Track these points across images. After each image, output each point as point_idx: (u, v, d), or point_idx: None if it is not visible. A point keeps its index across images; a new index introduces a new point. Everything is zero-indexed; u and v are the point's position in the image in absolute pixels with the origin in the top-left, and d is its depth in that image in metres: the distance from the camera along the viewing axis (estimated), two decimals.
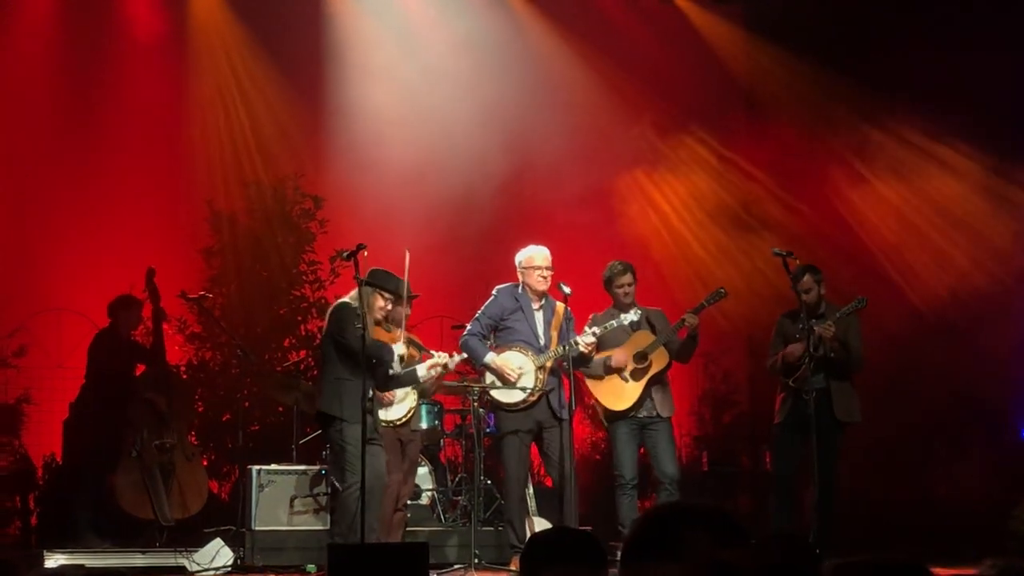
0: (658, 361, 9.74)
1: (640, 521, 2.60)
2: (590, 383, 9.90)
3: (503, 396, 9.43)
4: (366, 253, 8.63)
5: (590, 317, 9.69)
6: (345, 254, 8.86)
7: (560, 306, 9.58)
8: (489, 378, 9.48)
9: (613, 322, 9.51)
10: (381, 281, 8.95)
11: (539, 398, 9.35)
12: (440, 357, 9.14)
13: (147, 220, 12.46)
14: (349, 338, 8.74)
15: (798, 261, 9.61)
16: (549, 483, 10.04)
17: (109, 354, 10.81)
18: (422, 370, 9.08)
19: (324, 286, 12.37)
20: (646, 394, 9.74)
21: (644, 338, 9.77)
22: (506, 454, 9.49)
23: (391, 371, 8.93)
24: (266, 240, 12.39)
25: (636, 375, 9.74)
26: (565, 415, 9.36)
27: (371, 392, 8.77)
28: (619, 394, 9.77)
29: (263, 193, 12.52)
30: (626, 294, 9.76)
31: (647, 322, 9.82)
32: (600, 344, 9.64)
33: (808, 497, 9.89)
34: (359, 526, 8.35)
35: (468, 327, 9.64)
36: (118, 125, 12.64)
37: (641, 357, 9.72)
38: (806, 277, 9.68)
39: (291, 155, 12.89)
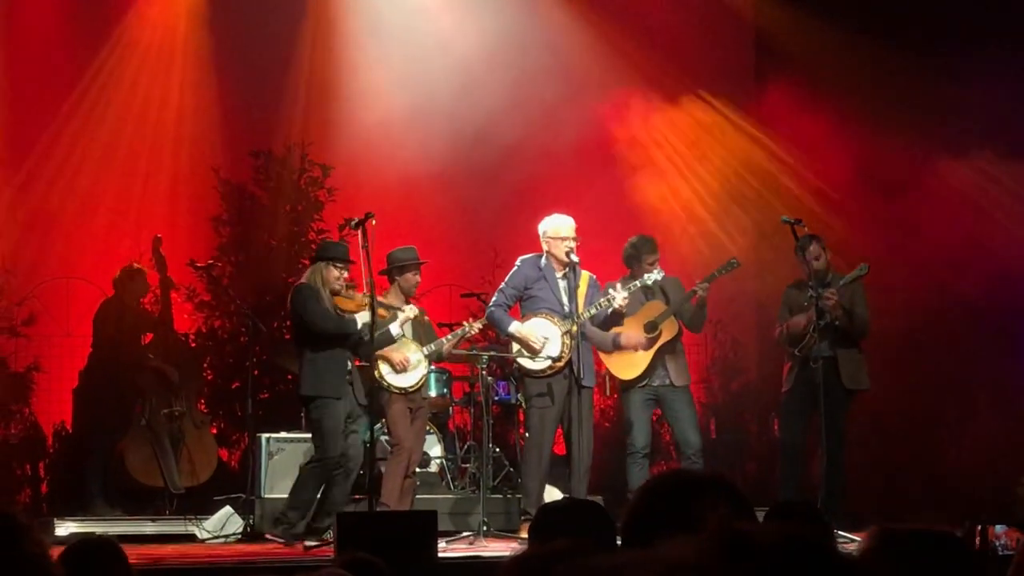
0: (668, 330, 9.71)
1: (645, 491, 2.52)
2: (601, 354, 9.88)
3: (529, 363, 9.34)
4: (374, 222, 8.59)
5: (606, 286, 9.57)
6: (353, 223, 8.80)
7: (586, 274, 9.44)
8: (516, 347, 9.41)
9: (637, 282, 9.43)
10: (328, 252, 9.02)
11: (565, 364, 9.24)
12: (410, 310, 9.14)
13: (157, 189, 12.41)
14: (310, 316, 8.86)
15: (806, 229, 9.55)
16: (560, 451, 10.00)
17: (115, 323, 10.77)
18: (395, 328, 9.11)
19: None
20: (656, 363, 9.71)
21: (655, 308, 9.76)
22: (530, 421, 9.44)
23: (364, 337, 8.95)
24: (275, 209, 12.35)
25: (645, 344, 9.71)
26: (587, 382, 9.25)
27: (349, 365, 8.82)
28: (628, 364, 9.75)
29: (272, 162, 12.48)
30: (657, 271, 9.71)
31: (661, 291, 9.79)
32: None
33: (816, 465, 9.87)
34: (313, 505, 8.66)
35: (493, 298, 9.59)
36: (126, 92, 12.57)
37: (651, 327, 9.69)
38: (813, 246, 9.63)
39: (300, 123, 12.82)
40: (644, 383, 9.74)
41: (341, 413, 8.81)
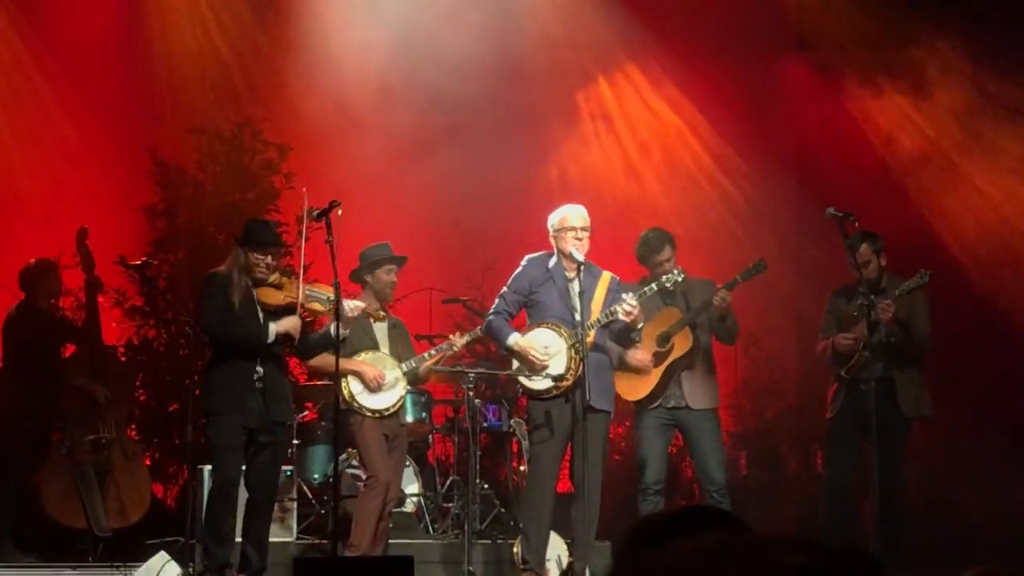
0: (680, 344, 9.65)
1: (631, 532, 2.38)
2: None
3: (531, 382, 9.21)
4: (340, 212, 8.57)
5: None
6: (315, 213, 8.77)
7: (606, 275, 9.29)
8: (516, 364, 9.27)
9: (653, 285, 9.28)
10: (250, 235, 8.83)
11: (572, 384, 9.12)
12: (354, 302, 9.00)
13: (79, 172, 12.40)
14: (203, 314, 8.81)
15: (857, 225, 9.49)
16: (564, 488, 9.94)
17: (29, 332, 10.72)
18: (335, 326, 8.82)
19: (290, 252, 12.30)
20: (668, 382, 9.63)
21: (671, 316, 9.67)
22: (531, 453, 9.36)
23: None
24: (221, 196, 12.34)
25: (655, 360, 9.66)
26: (599, 405, 9.04)
27: (259, 372, 8.72)
28: (635, 382, 9.68)
29: (217, 141, 12.46)
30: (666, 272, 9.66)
31: (682, 296, 9.74)
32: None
33: (867, 506, 9.87)
34: (216, 530, 8.70)
35: (493, 305, 9.47)
36: (46, 59, 12.57)
37: (663, 339, 9.63)
38: (863, 247, 9.56)
39: (250, 96, 12.82)
40: (656, 404, 9.68)
41: (237, 429, 8.69)
